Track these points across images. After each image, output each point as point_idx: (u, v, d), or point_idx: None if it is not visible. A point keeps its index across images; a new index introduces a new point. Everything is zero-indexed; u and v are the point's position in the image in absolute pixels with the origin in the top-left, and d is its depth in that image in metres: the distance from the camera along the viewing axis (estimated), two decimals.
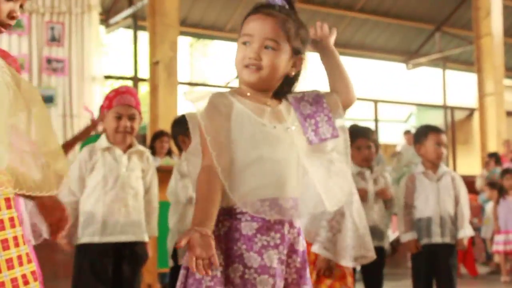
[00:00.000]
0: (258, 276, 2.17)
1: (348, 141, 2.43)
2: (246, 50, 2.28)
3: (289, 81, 2.37)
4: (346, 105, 2.40)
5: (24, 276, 1.98)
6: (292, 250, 2.28)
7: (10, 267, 1.93)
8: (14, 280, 1.96)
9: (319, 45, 2.44)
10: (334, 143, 2.39)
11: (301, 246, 2.31)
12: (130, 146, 4.10)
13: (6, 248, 1.93)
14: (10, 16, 1.99)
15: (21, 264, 1.98)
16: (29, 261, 1.99)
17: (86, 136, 4.00)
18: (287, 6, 2.34)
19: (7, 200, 1.95)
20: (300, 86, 2.43)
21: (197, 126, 2.26)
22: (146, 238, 4.08)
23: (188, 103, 2.30)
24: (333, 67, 2.44)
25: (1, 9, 1.95)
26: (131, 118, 4.03)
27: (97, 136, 7.91)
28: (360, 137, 5.04)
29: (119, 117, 4.00)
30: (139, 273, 4.17)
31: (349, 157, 2.43)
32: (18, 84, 2.08)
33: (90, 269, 3.88)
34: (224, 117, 2.23)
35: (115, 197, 3.94)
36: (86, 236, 3.93)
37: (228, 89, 2.40)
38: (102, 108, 4.12)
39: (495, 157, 11.84)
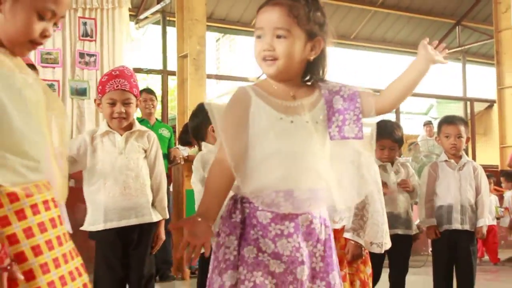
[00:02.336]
0: (271, 259, 2.18)
1: (374, 137, 2.38)
2: (261, 43, 2.26)
3: (313, 65, 2.31)
4: (382, 110, 2.33)
5: (77, 268, 2.02)
6: (315, 239, 2.27)
7: (57, 265, 1.95)
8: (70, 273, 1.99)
9: (423, 57, 2.29)
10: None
11: (324, 234, 2.30)
12: (129, 128, 3.97)
13: (58, 245, 1.96)
14: (43, 35, 2.00)
15: (71, 258, 2.01)
16: (69, 260, 2.01)
17: None
18: None
19: (46, 202, 1.97)
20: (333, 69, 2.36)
21: (216, 116, 2.25)
22: (153, 219, 3.96)
23: (212, 101, 2.32)
24: (409, 78, 2.27)
25: (34, 29, 1.96)
26: (126, 103, 3.89)
27: (159, 122, 7.98)
28: (386, 137, 5.04)
29: (112, 103, 3.87)
30: (148, 256, 4.03)
31: (373, 151, 2.42)
32: (48, 95, 2.12)
33: (104, 262, 3.86)
34: (242, 112, 2.22)
35: (114, 181, 3.85)
36: (91, 224, 3.90)
37: (254, 82, 2.37)
38: (97, 93, 3.96)
39: None
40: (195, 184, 4.39)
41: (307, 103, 2.28)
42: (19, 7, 1.93)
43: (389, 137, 5.07)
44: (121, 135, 3.93)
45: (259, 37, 2.27)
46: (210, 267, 2.28)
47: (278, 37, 2.22)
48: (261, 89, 2.28)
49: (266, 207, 2.19)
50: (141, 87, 5.34)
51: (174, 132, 9.54)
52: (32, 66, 3.35)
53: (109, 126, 3.95)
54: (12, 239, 1.83)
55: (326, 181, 2.25)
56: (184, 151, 7.95)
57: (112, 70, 4.11)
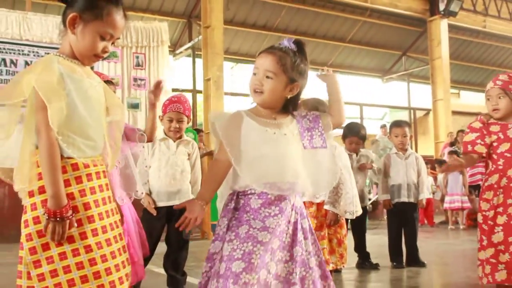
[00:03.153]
0: (259, 232, 2.13)
1: (334, 147, 2.37)
2: (254, 78, 2.23)
3: (290, 101, 2.27)
4: (337, 124, 2.31)
5: (115, 222, 2.07)
6: (287, 221, 2.20)
7: (101, 218, 2.00)
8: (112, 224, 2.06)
9: (326, 79, 2.35)
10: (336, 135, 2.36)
11: (293, 218, 2.23)
12: (180, 137, 4.04)
13: (102, 204, 2.01)
14: (103, 51, 2.03)
15: (112, 214, 2.07)
16: (110, 215, 2.06)
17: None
18: (294, 47, 2.24)
19: (98, 173, 2.02)
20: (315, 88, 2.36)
21: (216, 126, 2.24)
22: None
23: (217, 113, 2.32)
24: (333, 94, 2.33)
25: (97, 46, 2.00)
26: (179, 121, 3.96)
27: (186, 129, 8.01)
28: (353, 134, 5.06)
29: (170, 120, 3.96)
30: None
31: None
32: (108, 95, 2.16)
33: (147, 224, 3.85)
34: (236, 127, 2.20)
35: (165, 173, 3.91)
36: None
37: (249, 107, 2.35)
38: (161, 111, 4.05)
39: None
40: None
41: (284, 121, 2.26)
42: (87, 31, 1.98)
43: (356, 135, 5.08)
44: (174, 141, 4.01)
45: (254, 74, 2.25)
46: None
47: (267, 77, 2.20)
48: (251, 112, 2.26)
49: (259, 194, 2.17)
50: None
51: (200, 134, 9.58)
52: (110, 82, 3.41)
53: (165, 134, 4.03)
54: (70, 196, 1.90)
55: (301, 175, 2.21)
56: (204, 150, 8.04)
57: (172, 96, 4.16)
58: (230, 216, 2.20)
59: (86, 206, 1.93)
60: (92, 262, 1.90)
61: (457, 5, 13.18)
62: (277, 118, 2.26)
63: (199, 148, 7.74)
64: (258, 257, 2.09)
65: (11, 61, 8.38)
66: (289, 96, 2.25)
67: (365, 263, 5.30)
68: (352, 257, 5.15)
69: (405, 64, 15.71)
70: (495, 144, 3.39)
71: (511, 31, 15.41)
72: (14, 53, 8.40)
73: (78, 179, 1.93)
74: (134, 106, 9.41)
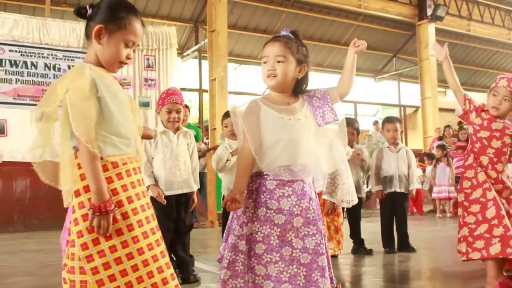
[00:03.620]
0: (275, 214, 2.17)
1: (345, 129, 2.43)
2: (266, 66, 2.26)
3: (300, 82, 2.31)
4: (343, 94, 2.31)
5: (152, 214, 2.04)
6: (308, 198, 2.23)
7: (143, 210, 1.98)
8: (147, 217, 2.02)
9: (352, 50, 2.34)
10: (335, 130, 2.38)
11: (313, 195, 2.27)
12: (178, 129, 3.99)
13: (143, 197, 2.00)
14: (127, 58, 2.04)
15: (149, 208, 2.04)
16: (149, 207, 2.03)
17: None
18: (292, 36, 2.29)
19: (135, 169, 2.01)
20: (312, 86, 2.37)
21: (238, 119, 2.26)
22: (194, 189, 3.98)
23: (236, 109, 2.34)
24: (348, 66, 2.31)
25: (122, 54, 2.01)
26: (178, 111, 3.91)
27: (189, 125, 8.03)
28: (349, 125, 5.06)
29: (169, 111, 3.90)
30: (190, 212, 4.07)
31: (345, 139, 2.44)
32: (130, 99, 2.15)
33: (161, 211, 3.82)
34: (255, 115, 2.22)
35: (171, 164, 3.86)
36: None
37: (260, 96, 2.37)
38: (158, 105, 4.01)
39: None
40: (215, 162, 4.42)
41: (297, 106, 2.28)
42: (112, 40, 1.99)
43: (351, 125, 5.09)
44: (174, 133, 3.95)
45: (265, 62, 2.28)
46: (230, 217, 2.28)
47: (278, 62, 2.23)
48: (266, 100, 2.29)
49: (274, 176, 2.19)
50: None
51: (206, 130, 9.56)
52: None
53: (164, 127, 3.97)
54: (114, 192, 1.89)
55: (313, 158, 2.24)
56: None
57: (168, 89, 4.10)
58: (254, 197, 2.22)
59: (129, 200, 1.92)
60: (140, 251, 1.88)
61: (443, 11, 13.20)
62: (290, 103, 2.28)
63: (202, 144, 7.77)
64: (276, 238, 2.15)
65: (32, 63, 8.39)
66: (299, 77, 2.29)
67: (359, 248, 5.31)
68: (347, 244, 5.16)
69: (396, 65, 15.69)
70: (477, 127, 3.47)
71: (493, 34, 15.41)
72: (34, 56, 8.42)
73: (119, 176, 1.92)
74: (145, 105, 9.40)
